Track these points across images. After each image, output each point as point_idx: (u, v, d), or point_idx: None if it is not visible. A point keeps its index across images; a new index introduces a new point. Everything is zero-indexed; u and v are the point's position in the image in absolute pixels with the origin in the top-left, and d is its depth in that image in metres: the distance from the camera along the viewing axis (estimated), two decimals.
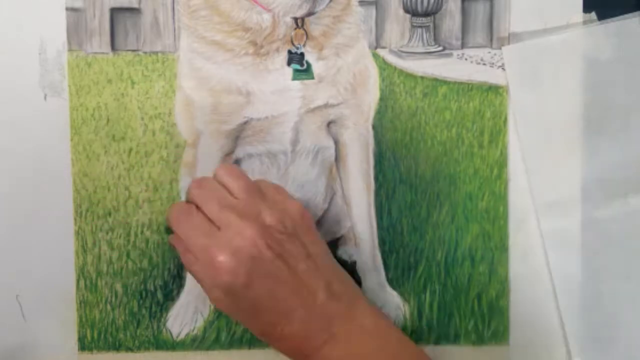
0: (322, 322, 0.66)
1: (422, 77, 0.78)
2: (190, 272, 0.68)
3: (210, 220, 0.67)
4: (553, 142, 0.77)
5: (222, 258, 0.65)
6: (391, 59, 0.78)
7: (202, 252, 0.66)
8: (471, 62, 0.78)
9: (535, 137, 0.78)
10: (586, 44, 0.77)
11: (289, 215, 0.68)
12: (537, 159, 0.78)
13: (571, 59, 0.77)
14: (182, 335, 0.77)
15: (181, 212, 0.68)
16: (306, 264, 0.67)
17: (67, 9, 0.76)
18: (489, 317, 0.78)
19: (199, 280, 0.67)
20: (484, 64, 0.78)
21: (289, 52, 0.76)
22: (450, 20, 0.78)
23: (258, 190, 0.69)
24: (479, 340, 0.78)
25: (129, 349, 0.77)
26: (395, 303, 0.78)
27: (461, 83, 0.78)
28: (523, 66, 0.77)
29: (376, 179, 0.78)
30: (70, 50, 0.76)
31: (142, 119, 0.77)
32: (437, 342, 0.78)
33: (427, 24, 0.78)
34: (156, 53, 0.77)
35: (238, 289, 0.65)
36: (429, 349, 0.77)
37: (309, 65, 0.76)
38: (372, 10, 0.77)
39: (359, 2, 0.77)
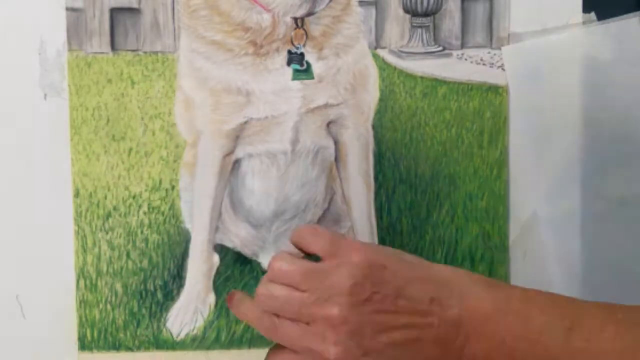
0: (449, 334, 0.63)
1: (421, 77, 0.78)
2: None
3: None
4: (553, 141, 0.77)
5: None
6: (391, 59, 0.78)
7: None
8: (471, 62, 0.78)
9: (535, 137, 0.78)
10: (586, 44, 0.77)
11: (361, 273, 0.63)
12: (537, 159, 0.78)
13: (571, 59, 0.77)
14: (182, 335, 0.77)
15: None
16: (402, 304, 0.63)
17: (67, 9, 0.76)
18: None
19: None
20: (484, 64, 0.78)
21: (289, 52, 0.76)
22: (450, 21, 0.78)
23: (317, 272, 0.65)
24: None
25: (129, 349, 0.77)
26: None
27: (461, 83, 0.78)
28: (523, 66, 0.77)
29: (376, 179, 0.78)
30: (70, 50, 0.76)
31: (142, 118, 0.77)
32: None
33: (427, 24, 0.78)
34: (156, 53, 0.77)
35: None
36: None
37: (308, 65, 0.76)
38: (372, 11, 0.77)
39: (359, 2, 0.77)
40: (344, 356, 0.62)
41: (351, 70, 0.77)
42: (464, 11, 0.78)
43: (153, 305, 0.77)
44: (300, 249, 0.67)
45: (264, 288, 0.65)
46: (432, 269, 0.65)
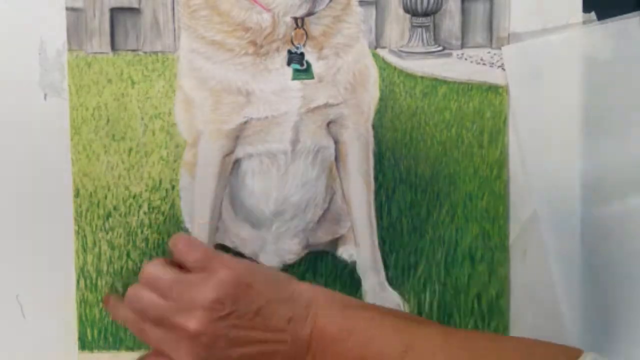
0: (303, 349, 0.67)
1: (422, 77, 0.78)
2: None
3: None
4: (553, 141, 0.77)
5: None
6: (391, 58, 0.78)
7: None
8: (471, 62, 0.78)
9: (535, 137, 0.78)
10: (586, 43, 0.77)
11: (223, 289, 0.67)
12: (537, 159, 0.78)
13: (571, 58, 0.77)
14: None
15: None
16: (258, 322, 0.67)
17: (67, 9, 0.76)
18: (488, 317, 0.78)
19: None
20: (484, 64, 0.78)
21: (289, 52, 0.76)
22: (450, 20, 0.78)
23: (186, 282, 0.68)
24: None
25: (129, 349, 0.77)
26: (395, 302, 0.78)
27: (461, 83, 0.78)
28: (523, 66, 0.77)
29: (376, 178, 0.78)
30: (70, 50, 0.76)
31: (142, 118, 0.77)
32: None
33: (427, 24, 0.78)
34: (156, 53, 0.77)
35: None
36: None
37: (309, 65, 0.76)
38: (372, 10, 0.77)
39: (359, 2, 0.77)
40: None
41: (351, 70, 0.77)
42: (464, 11, 0.78)
43: None
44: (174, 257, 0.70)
45: (134, 290, 0.69)
46: (296, 290, 0.69)
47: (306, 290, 0.69)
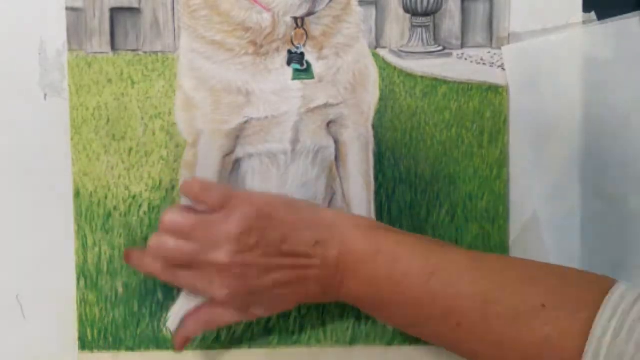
0: (327, 277, 0.68)
1: (422, 77, 0.78)
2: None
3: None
4: (553, 141, 0.77)
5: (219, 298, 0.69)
6: (391, 58, 0.78)
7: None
8: (471, 62, 0.78)
9: (535, 137, 0.78)
10: (586, 44, 0.77)
11: (247, 222, 0.68)
12: (537, 159, 0.78)
13: (571, 58, 0.77)
14: None
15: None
16: (285, 249, 0.68)
17: (67, 8, 0.76)
18: None
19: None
20: (484, 64, 0.78)
21: (289, 51, 0.76)
22: (450, 20, 0.78)
23: (210, 222, 0.69)
24: None
25: (129, 348, 0.77)
26: None
27: (461, 83, 0.78)
28: (523, 66, 0.77)
29: (376, 178, 0.78)
30: (70, 50, 0.76)
31: (142, 118, 0.77)
32: None
33: (427, 24, 0.78)
34: (156, 53, 0.77)
35: (244, 308, 0.70)
36: (428, 349, 0.77)
37: (309, 65, 0.76)
38: (372, 10, 0.77)
39: (359, 2, 0.77)
40: (232, 297, 0.68)
41: (351, 70, 0.77)
42: (464, 11, 0.78)
43: (153, 305, 0.77)
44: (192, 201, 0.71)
45: (156, 239, 0.70)
46: (319, 215, 0.70)
47: (330, 214, 0.71)
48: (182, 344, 0.72)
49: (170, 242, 0.69)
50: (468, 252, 0.70)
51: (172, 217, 0.69)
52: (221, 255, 0.67)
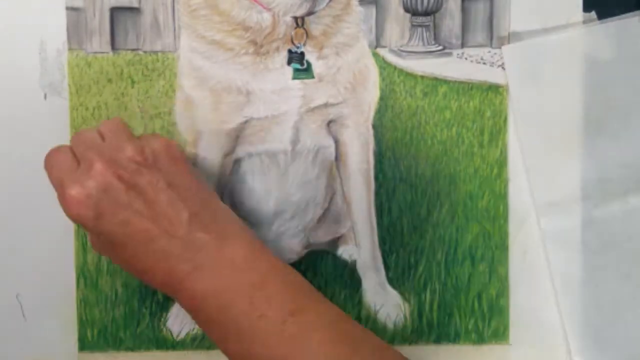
0: (185, 253, 0.64)
1: (422, 77, 0.78)
2: None
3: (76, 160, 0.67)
4: (553, 141, 0.77)
5: (71, 192, 0.65)
6: (391, 58, 0.78)
7: (58, 187, 0.66)
8: (471, 61, 0.78)
9: (535, 137, 0.78)
10: (586, 43, 0.77)
11: (149, 146, 0.67)
12: (537, 159, 0.78)
13: (571, 58, 0.77)
14: (182, 335, 0.77)
15: (53, 151, 0.68)
16: (167, 194, 0.65)
17: (67, 8, 0.76)
18: (489, 316, 0.78)
19: None
20: (484, 63, 0.78)
21: (289, 51, 0.76)
22: (450, 20, 0.78)
23: (124, 130, 0.69)
24: (480, 339, 0.78)
25: (129, 349, 0.77)
26: (395, 302, 0.78)
27: (461, 82, 0.78)
28: (523, 66, 0.77)
29: (376, 178, 0.78)
30: (70, 49, 0.76)
31: (142, 118, 0.77)
32: (437, 341, 0.78)
33: (427, 23, 0.78)
34: (156, 52, 0.77)
35: (89, 223, 0.65)
36: (429, 348, 0.77)
37: (309, 64, 0.76)
38: (372, 10, 0.77)
39: (359, 1, 0.77)
40: (80, 205, 0.65)
41: (351, 70, 0.77)
42: (464, 10, 0.78)
43: (153, 305, 0.77)
44: None
45: (83, 130, 0.69)
46: (214, 206, 0.68)
47: (223, 219, 0.67)
48: None
49: (87, 134, 0.68)
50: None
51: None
52: (125, 149, 0.66)
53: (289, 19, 0.75)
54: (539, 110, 0.77)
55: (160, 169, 0.66)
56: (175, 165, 0.68)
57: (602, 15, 0.77)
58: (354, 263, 0.79)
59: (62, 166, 0.67)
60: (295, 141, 0.77)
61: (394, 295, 0.78)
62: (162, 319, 0.77)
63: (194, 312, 0.66)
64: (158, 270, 0.65)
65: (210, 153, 0.77)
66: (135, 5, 0.77)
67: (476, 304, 0.78)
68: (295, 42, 0.76)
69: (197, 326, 0.77)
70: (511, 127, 0.78)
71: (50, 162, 0.68)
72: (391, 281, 0.78)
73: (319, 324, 0.64)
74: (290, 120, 0.77)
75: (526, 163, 0.78)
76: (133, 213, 0.65)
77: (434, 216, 0.78)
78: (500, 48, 0.78)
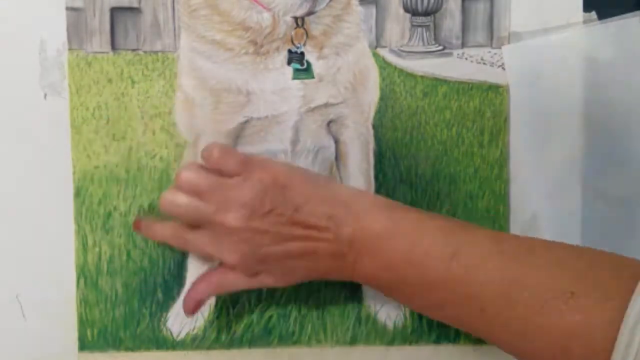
0: (341, 249, 0.67)
1: (422, 77, 0.78)
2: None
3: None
4: (553, 141, 0.77)
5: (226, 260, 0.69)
6: (391, 58, 0.78)
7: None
8: (471, 61, 0.78)
9: (535, 137, 0.78)
10: (586, 43, 0.77)
11: (260, 191, 0.68)
12: (537, 159, 0.78)
13: (571, 58, 0.77)
14: (182, 335, 0.77)
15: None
16: (300, 217, 0.67)
17: (67, 8, 0.76)
18: None
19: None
20: (484, 64, 0.78)
21: (289, 51, 0.76)
22: (451, 20, 0.78)
23: (221, 187, 0.69)
24: (479, 339, 0.78)
25: (129, 349, 0.77)
26: (395, 302, 0.78)
27: (461, 82, 0.78)
28: (523, 65, 0.77)
29: (376, 178, 0.78)
30: (70, 49, 0.76)
31: (142, 118, 0.77)
32: (437, 341, 0.78)
33: (427, 24, 0.78)
34: (156, 52, 0.77)
35: (254, 274, 0.70)
36: (429, 349, 0.77)
37: (309, 64, 0.76)
38: (372, 10, 0.77)
39: (359, 1, 0.77)
40: (242, 262, 0.68)
41: (351, 70, 0.77)
42: (464, 10, 0.78)
43: (153, 305, 0.77)
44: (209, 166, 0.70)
45: (170, 194, 0.69)
46: (334, 190, 0.70)
47: (346, 191, 0.70)
48: (193, 308, 0.71)
49: (183, 199, 0.69)
50: (492, 233, 0.67)
51: (188, 175, 0.69)
52: (233, 219, 0.67)
53: (289, 19, 0.76)
54: (539, 110, 0.78)
55: (279, 204, 0.67)
56: (286, 189, 0.68)
57: (602, 15, 0.77)
58: None
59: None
60: (295, 141, 0.77)
61: None
62: (162, 319, 0.77)
63: (374, 286, 0.69)
64: (322, 272, 0.70)
65: None
66: (136, 5, 0.77)
67: None
68: (295, 42, 0.76)
69: (197, 326, 0.77)
70: (511, 126, 0.78)
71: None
72: None
73: (479, 258, 0.64)
74: (290, 120, 0.77)
75: (526, 163, 0.78)
76: (285, 253, 0.68)
77: None
78: (500, 48, 0.78)
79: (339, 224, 0.67)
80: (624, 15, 0.77)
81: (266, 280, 0.70)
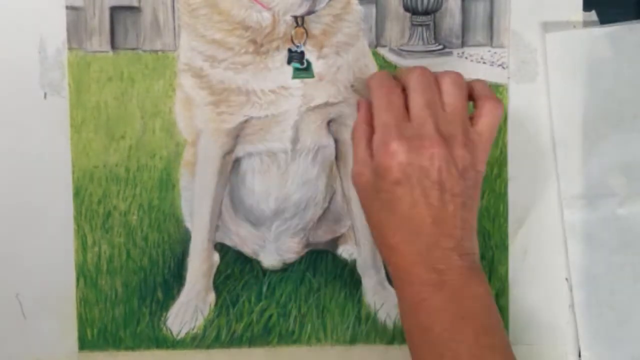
0: (438, 264, 0.65)
1: None
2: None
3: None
4: (585, 135, 0.77)
5: (394, 146, 0.66)
6: (391, 57, 0.78)
7: (382, 127, 0.68)
8: (471, 60, 0.78)
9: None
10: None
11: (469, 158, 0.67)
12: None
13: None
14: (182, 334, 0.77)
15: (391, 85, 0.69)
16: (454, 205, 0.66)
17: (67, 7, 0.76)
18: None
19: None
20: (484, 63, 0.78)
21: (289, 50, 0.76)
22: (451, 19, 0.78)
23: (464, 119, 0.69)
24: None
25: (129, 348, 0.77)
26: (395, 301, 0.77)
27: None
28: (564, 55, 0.77)
29: None
30: (70, 48, 0.76)
31: (142, 117, 0.77)
32: None
33: (427, 23, 0.78)
34: (156, 52, 0.77)
35: (381, 181, 0.67)
36: None
37: (309, 63, 0.76)
38: (372, 9, 0.77)
39: (359, 0, 0.77)
40: (395, 167, 0.66)
41: (351, 69, 0.77)
42: (464, 10, 0.78)
43: (153, 304, 0.77)
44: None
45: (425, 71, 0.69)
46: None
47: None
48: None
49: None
50: None
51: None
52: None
53: (289, 18, 0.76)
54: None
55: (463, 181, 0.67)
56: (471, 189, 0.68)
57: (602, 15, 0.77)
58: (353, 262, 0.79)
59: (396, 111, 0.68)
60: (295, 140, 0.77)
61: (394, 294, 0.77)
62: (162, 319, 0.77)
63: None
64: (405, 260, 0.67)
65: (210, 152, 0.76)
66: (135, 4, 0.77)
67: None
68: (295, 41, 0.76)
69: (197, 325, 0.77)
70: (511, 126, 0.78)
71: (382, 90, 0.69)
72: (391, 280, 0.78)
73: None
74: (290, 120, 0.77)
75: (526, 162, 0.78)
76: (425, 200, 0.66)
77: None
78: (500, 47, 0.78)
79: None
80: (624, 15, 0.77)
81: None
